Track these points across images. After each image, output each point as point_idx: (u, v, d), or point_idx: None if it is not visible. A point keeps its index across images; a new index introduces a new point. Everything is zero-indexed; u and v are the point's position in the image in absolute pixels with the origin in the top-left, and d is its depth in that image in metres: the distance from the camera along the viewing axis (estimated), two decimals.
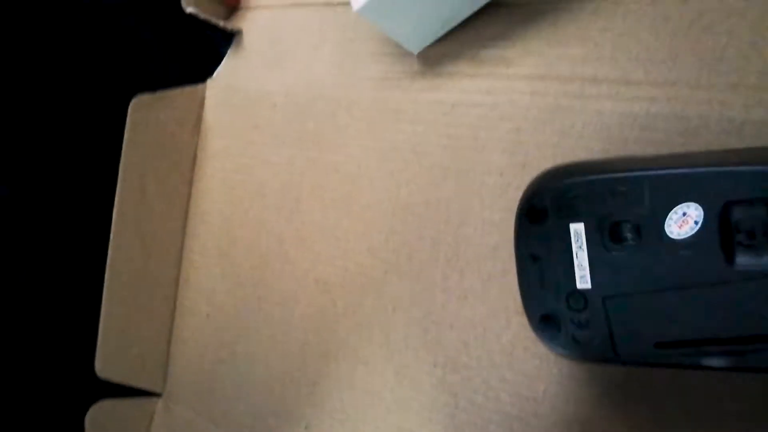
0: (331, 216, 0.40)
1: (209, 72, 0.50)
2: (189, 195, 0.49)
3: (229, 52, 0.49)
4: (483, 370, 0.32)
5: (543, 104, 0.32)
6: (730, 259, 0.21)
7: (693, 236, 0.22)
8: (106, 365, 0.45)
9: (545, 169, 0.28)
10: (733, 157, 0.22)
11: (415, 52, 0.37)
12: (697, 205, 0.22)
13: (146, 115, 0.45)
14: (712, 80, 0.28)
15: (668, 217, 0.22)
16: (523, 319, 0.31)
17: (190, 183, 0.49)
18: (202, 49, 0.51)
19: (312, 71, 0.42)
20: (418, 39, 0.36)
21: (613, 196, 0.24)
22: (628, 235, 0.23)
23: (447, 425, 0.33)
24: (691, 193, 0.22)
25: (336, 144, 0.40)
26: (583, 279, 0.24)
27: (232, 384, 0.45)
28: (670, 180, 0.23)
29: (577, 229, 0.25)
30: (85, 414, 0.45)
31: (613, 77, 0.30)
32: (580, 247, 0.25)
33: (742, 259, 0.21)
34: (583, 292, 0.24)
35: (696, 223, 0.22)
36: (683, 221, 0.22)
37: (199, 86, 0.49)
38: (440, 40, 0.36)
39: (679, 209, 0.22)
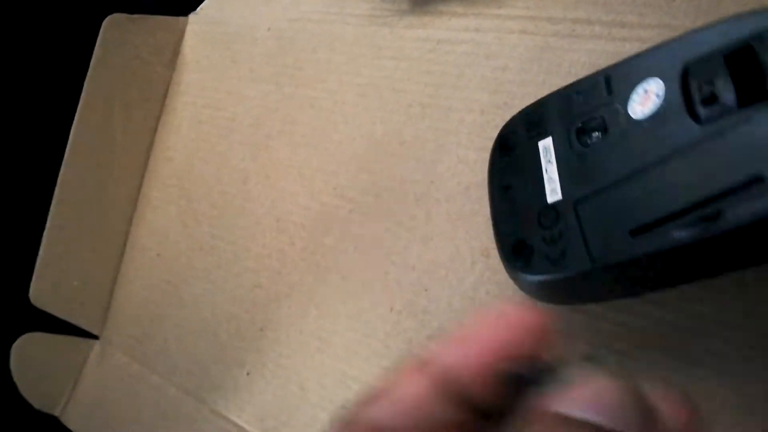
0: (300, 153, 0.38)
1: (192, 7, 0.48)
2: (155, 130, 0.47)
3: None
4: (441, 314, 0.30)
5: (531, 43, 0.30)
6: (695, 118, 0.20)
7: (657, 109, 0.21)
8: (42, 293, 0.42)
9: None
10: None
11: None
12: (656, 78, 0.21)
13: (120, 36, 0.43)
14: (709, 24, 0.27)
15: (630, 100, 0.22)
16: (489, 262, 0.30)
17: (158, 117, 0.47)
18: None
19: (298, 7, 0.41)
20: None
21: (579, 101, 0.24)
22: (595, 133, 0.23)
23: None
24: (648, 70, 0.22)
25: (314, 79, 0.38)
26: (553, 192, 0.23)
27: (175, 329, 0.42)
28: (626, 65, 0.23)
29: (545, 144, 0.24)
30: (12, 343, 0.42)
31: (605, 20, 0.29)
32: (549, 161, 0.24)
33: (707, 113, 0.20)
34: (553, 205, 0.23)
35: (658, 96, 0.21)
36: (645, 98, 0.22)
37: (180, 19, 0.47)
38: None
39: (639, 88, 0.22)
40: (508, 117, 0.30)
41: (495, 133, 0.31)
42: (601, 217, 0.21)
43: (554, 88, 0.29)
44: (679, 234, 0.19)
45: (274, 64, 0.40)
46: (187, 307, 0.42)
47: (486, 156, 0.31)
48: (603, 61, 0.28)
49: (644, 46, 0.28)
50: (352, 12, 0.38)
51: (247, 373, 0.37)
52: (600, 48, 0.28)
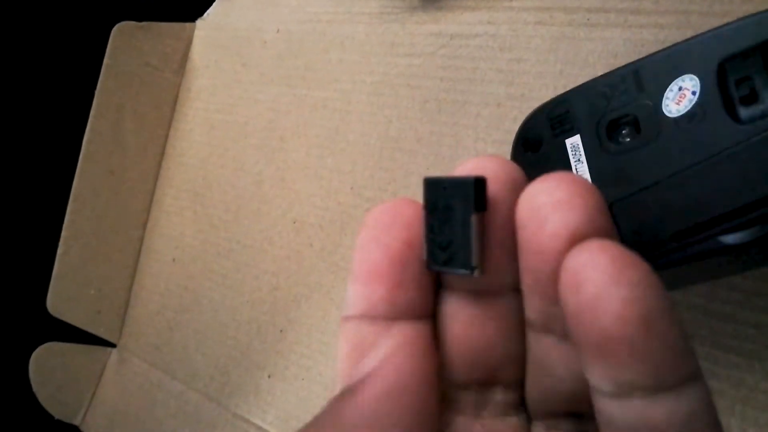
0: (314, 154, 0.38)
1: (200, 13, 0.48)
2: (167, 136, 0.47)
3: None
4: None
5: (547, 33, 0.30)
6: (735, 118, 0.19)
7: (693, 107, 0.20)
8: (59, 303, 0.42)
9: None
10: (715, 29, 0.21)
11: None
12: (691, 75, 0.20)
13: (128, 43, 0.43)
14: (725, 8, 0.27)
15: (664, 97, 0.21)
16: None
17: (169, 124, 0.47)
18: None
19: (306, 9, 0.41)
20: None
21: (606, 96, 0.22)
22: (627, 131, 0.22)
23: None
24: (682, 66, 0.21)
25: (326, 80, 0.38)
26: None
27: (193, 334, 0.42)
28: (657, 61, 0.22)
29: (573, 142, 0.23)
30: (30, 354, 0.42)
31: (621, 7, 0.29)
32: (579, 160, 0.23)
33: (747, 112, 0.19)
34: None
35: (694, 93, 0.20)
36: (680, 96, 0.21)
37: (188, 25, 0.47)
38: None
39: (674, 86, 0.21)
40: (525, 109, 0.30)
41: (513, 126, 0.31)
42: (640, 219, 0.20)
43: (572, 79, 0.29)
44: (727, 238, 0.18)
45: (285, 66, 0.40)
46: (205, 312, 0.42)
47: (505, 149, 0.30)
48: (621, 50, 0.28)
49: (662, 32, 0.28)
50: (362, 10, 0.38)
51: (269, 376, 0.37)
52: (617, 36, 0.28)
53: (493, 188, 0.12)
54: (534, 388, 0.13)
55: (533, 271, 0.12)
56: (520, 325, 0.13)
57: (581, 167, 0.23)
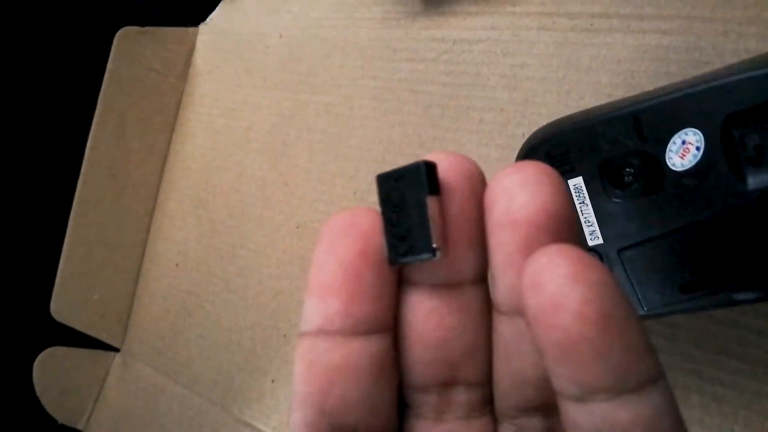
0: (318, 159, 0.38)
1: (203, 17, 0.48)
2: (170, 141, 0.47)
3: None
4: None
5: (550, 39, 0.30)
6: (741, 179, 0.19)
7: (697, 164, 0.20)
8: (62, 307, 0.42)
9: (533, 132, 0.25)
10: (723, 72, 0.20)
11: None
12: (695, 129, 0.20)
13: (131, 49, 0.43)
14: (727, 15, 0.27)
15: (667, 149, 0.20)
16: None
17: (172, 129, 0.47)
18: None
19: (309, 14, 0.41)
20: None
21: (606, 140, 0.22)
22: (630, 178, 0.21)
23: None
24: (686, 117, 0.20)
25: (329, 85, 0.38)
26: (593, 235, 0.22)
27: (196, 339, 0.42)
28: (661, 108, 0.21)
29: (576, 184, 0.23)
30: (34, 358, 0.42)
31: (623, 13, 0.29)
32: (584, 203, 0.22)
33: (754, 176, 0.18)
34: (596, 248, 0.22)
35: (698, 149, 0.20)
36: (684, 150, 0.20)
37: (191, 29, 0.47)
38: None
39: (677, 138, 0.20)
40: (529, 114, 0.30)
41: (516, 131, 0.31)
42: (649, 268, 0.20)
43: (575, 84, 0.29)
44: (739, 296, 0.18)
45: (288, 72, 0.41)
46: (208, 316, 0.42)
47: (508, 154, 0.31)
48: (624, 55, 0.28)
49: (665, 38, 0.28)
50: (364, 16, 0.38)
51: (273, 381, 0.37)
52: (619, 41, 0.28)
53: (448, 177, 0.12)
54: (503, 379, 0.13)
55: (505, 245, 0.12)
56: (481, 318, 0.13)
57: (586, 210, 0.22)
